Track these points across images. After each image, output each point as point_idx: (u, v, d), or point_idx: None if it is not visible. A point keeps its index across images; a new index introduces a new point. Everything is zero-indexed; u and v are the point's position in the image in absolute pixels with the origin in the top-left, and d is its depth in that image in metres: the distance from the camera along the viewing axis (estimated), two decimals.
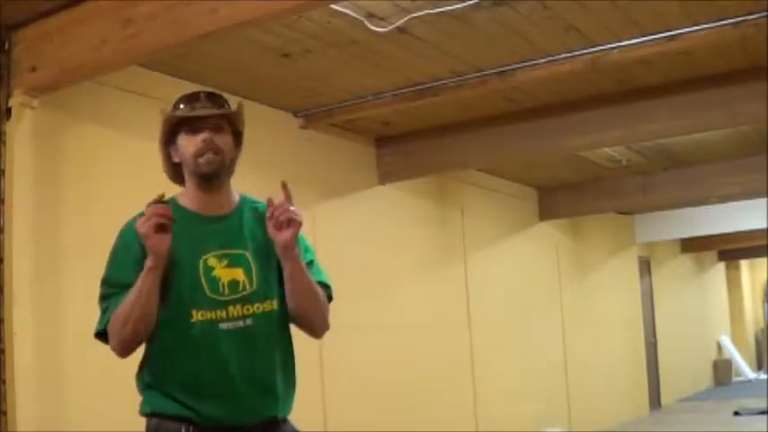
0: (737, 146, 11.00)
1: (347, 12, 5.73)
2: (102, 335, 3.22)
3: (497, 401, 10.95)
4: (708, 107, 8.07)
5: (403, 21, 5.87)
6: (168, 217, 3.05)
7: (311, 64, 6.74)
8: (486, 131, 8.77)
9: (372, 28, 5.94)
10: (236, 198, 3.39)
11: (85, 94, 6.00)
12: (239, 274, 3.19)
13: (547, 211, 12.93)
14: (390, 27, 5.95)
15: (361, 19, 5.84)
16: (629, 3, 5.93)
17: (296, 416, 3.35)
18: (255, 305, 3.18)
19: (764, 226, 15.93)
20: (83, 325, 5.73)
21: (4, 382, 5.28)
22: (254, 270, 3.22)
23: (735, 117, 8.17)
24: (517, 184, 12.33)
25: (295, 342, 3.37)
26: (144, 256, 3.07)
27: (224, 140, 3.24)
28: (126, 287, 3.10)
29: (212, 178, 3.24)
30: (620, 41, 6.56)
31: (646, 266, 17.69)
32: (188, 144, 3.21)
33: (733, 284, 25.17)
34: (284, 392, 3.26)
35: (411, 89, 7.37)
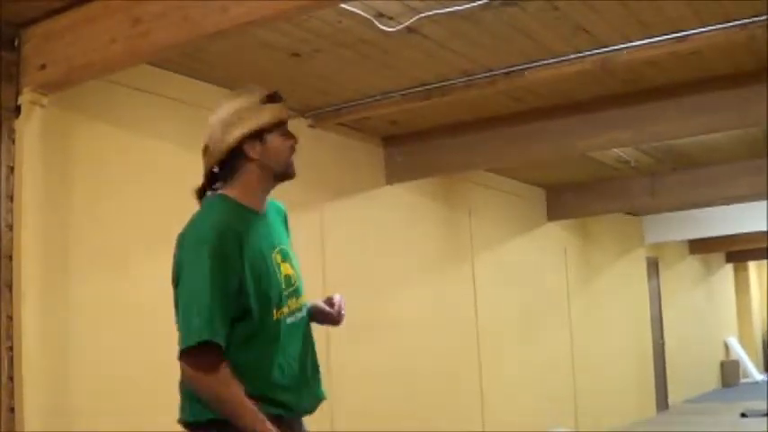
0: (746, 147, 10.99)
1: (357, 11, 5.73)
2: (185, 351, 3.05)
3: (504, 401, 10.95)
4: (716, 108, 8.06)
5: (412, 20, 5.87)
6: None
7: (320, 63, 6.75)
8: (494, 132, 8.77)
9: (382, 27, 5.94)
10: None
11: (95, 93, 6.01)
12: (289, 268, 3.32)
13: (555, 212, 12.92)
14: (400, 27, 5.95)
15: (371, 18, 5.84)
16: (638, 3, 5.92)
17: None
18: (301, 297, 3.36)
19: None
20: (90, 323, 5.77)
21: (11, 379, 5.29)
22: (296, 266, 3.38)
23: (743, 119, 8.16)
24: (525, 184, 12.33)
25: None
26: (239, 261, 3.08)
27: None
28: (225, 306, 3.04)
29: (285, 181, 3.39)
30: (629, 42, 6.56)
31: (654, 267, 17.68)
32: (282, 147, 3.32)
33: (741, 286, 25.13)
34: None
35: (419, 89, 7.38)
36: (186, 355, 3.03)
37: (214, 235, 3.09)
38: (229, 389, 3.02)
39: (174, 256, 3.18)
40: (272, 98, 3.36)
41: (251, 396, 3.06)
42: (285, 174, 3.34)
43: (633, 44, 6.57)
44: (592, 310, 14.19)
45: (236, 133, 3.25)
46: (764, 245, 19.78)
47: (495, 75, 7.09)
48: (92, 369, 5.69)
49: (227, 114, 3.30)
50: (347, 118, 8.04)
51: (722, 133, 9.78)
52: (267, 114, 3.30)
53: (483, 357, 10.63)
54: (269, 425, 3.02)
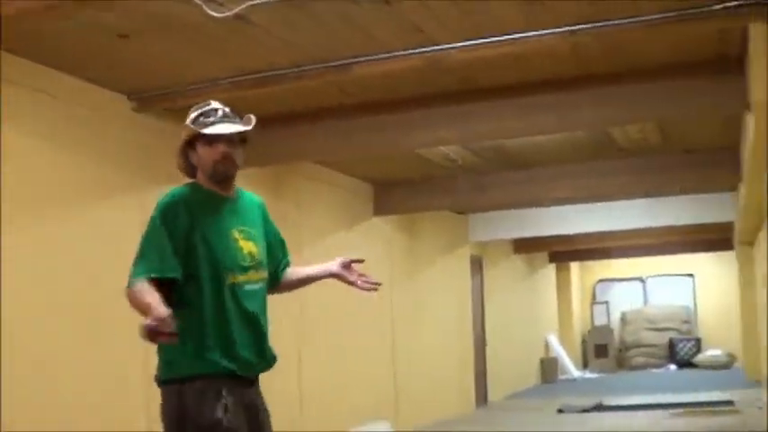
0: (572, 150, 11.26)
1: None
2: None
3: (324, 394, 10.94)
4: (542, 111, 8.23)
5: (242, 7, 5.78)
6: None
7: (148, 46, 6.61)
8: (325, 124, 8.77)
9: (210, 13, 5.84)
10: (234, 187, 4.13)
11: None
12: (252, 246, 4.01)
13: (381, 207, 12.97)
14: (228, 13, 5.85)
15: (200, 3, 5.74)
16: (470, 4, 6.01)
17: None
18: (260, 272, 4.03)
19: (595, 229, 16.40)
20: None
21: None
22: (260, 244, 4.06)
23: (567, 122, 8.36)
24: (353, 178, 12.35)
25: None
26: (188, 221, 3.85)
27: (237, 151, 4.01)
28: (167, 253, 3.80)
29: (227, 180, 4.02)
30: (459, 42, 6.62)
31: (478, 265, 17.96)
32: (208, 154, 3.95)
33: (562, 285, 25.80)
34: None
35: (249, 77, 7.29)
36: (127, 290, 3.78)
37: (168, 202, 3.91)
38: (139, 295, 3.68)
39: None
40: (207, 113, 4.00)
41: (209, 350, 3.77)
42: (214, 174, 3.97)
43: (463, 44, 6.64)
44: (415, 306, 14.33)
45: (181, 149, 4.03)
46: (586, 246, 20.36)
47: (326, 66, 7.07)
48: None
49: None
50: (174, 103, 7.84)
51: (549, 136, 9.99)
52: (188, 130, 3.96)
53: (303, 352, 10.59)
54: (160, 309, 3.53)
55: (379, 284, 4.48)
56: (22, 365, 6.38)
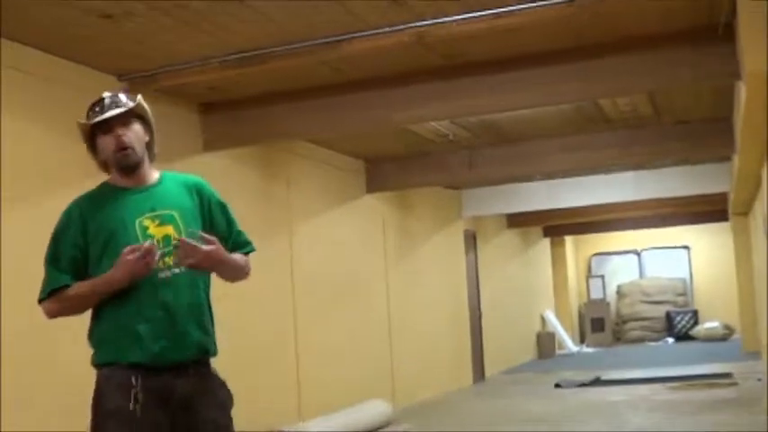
0: (563, 124, 11.25)
1: None
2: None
3: (321, 374, 10.96)
4: (531, 85, 8.21)
5: None
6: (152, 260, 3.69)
7: (135, 27, 6.58)
8: (314, 102, 8.73)
9: None
10: (156, 174, 4.01)
11: None
12: (170, 230, 3.84)
13: (374, 184, 12.96)
14: None
15: None
16: None
17: None
18: None
19: (588, 203, 16.39)
20: None
21: None
22: (182, 228, 3.86)
23: (557, 95, 8.34)
24: (344, 156, 12.33)
25: None
26: (81, 234, 3.81)
27: (132, 132, 3.87)
28: (62, 264, 3.80)
29: (132, 168, 3.89)
30: (446, 17, 6.60)
31: (472, 241, 17.96)
32: (105, 145, 3.87)
33: (557, 260, 25.78)
34: (212, 330, 3.98)
35: (238, 56, 7.27)
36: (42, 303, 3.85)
37: (64, 213, 3.90)
38: (72, 295, 3.77)
39: None
40: (94, 105, 3.90)
41: (102, 339, 3.77)
42: (117, 165, 3.89)
43: (450, 18, 6.61)
44: (410, 282, 14.35)
45: (88, 149, 3.96)
46: (580, 220, 20.36)
47: (314, 44, 7.05)
48: None
49: None
50: (163, 83, 7.81)
51: (540, 109, 9.98)
52: (83, 126, 3.89)
53: (299, 329, 10.60)
54: (112, 277, 3.68)
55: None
56: (22, 353, 6.39)
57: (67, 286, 3.78)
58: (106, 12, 6.21)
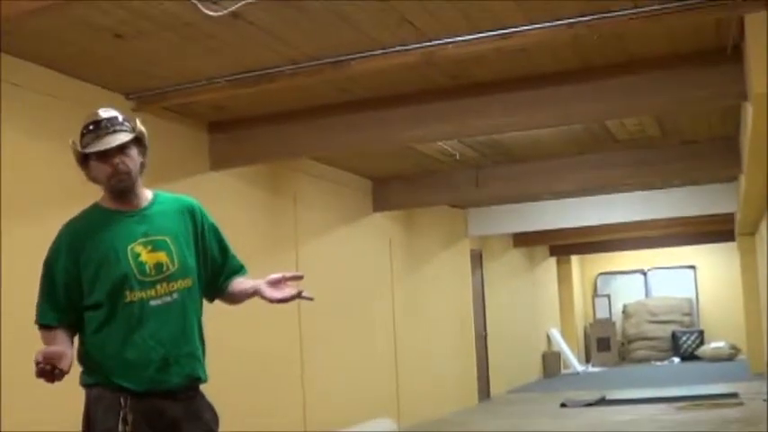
0: (570, 144, 11.25)
1: None
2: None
3: (327, 392, 10.94)
4: (539, 105, 8.22)
5: (237, 6, 5.78)
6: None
7: (144, 45, 6.60)
8: (321, 121, 8.75)
9: (206, 12, 5.83)
10: (149, 194, 3.96)
11: None
12: (162, 257, 3.79)
13: (380, 203, 12.97)
14: (224, 12, 5.85)
15: (195, 2, 5.73)
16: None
17: None
18: (178, 282, 3.81)
19: (594, 223, 16.38)
20: None
21: None
22: (174, 252, 3.82)
23: (565, 116, 8.34)
24: (351, 174, 12.34)
25: None
26: (73, 263, 3.74)
27: (130, 157, 3.78)
28: (56, 294, 3.76)
29: (125, 192, 3.82)
30: (454, 37, 6.61)
31: (478, 260, 17.95)
32: (99, 170, 3.76)
33: (563, 279, 25.75)
34: (203, 355, 3.91)
35: (246, 75, 7.29)
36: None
37: (51, 246, 3.83)
38: (50, 337, 3.73)
39: None
40: (91, 128, 3.76)
41: (91, 360, 3.73)
42: (110, 190, 3.81)
43: (458, 39, 6.63)
44: (416, 301, 14.33)
45: (79, 166, 3.84)
46: (587, 239, 20.34)
47: (322, 64, 7.07)
48: None
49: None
50: (172, 102, 7.86)
51: (547, 129, 9.99)
52: (73, 149, 3.79)
53: (305, 348, 10.59)
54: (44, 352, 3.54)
55: (311, 299, 4.24)
56: (22, 365, 6.37)
57: (51, 327, 3.76)
58: (117, 31, 6.23)
